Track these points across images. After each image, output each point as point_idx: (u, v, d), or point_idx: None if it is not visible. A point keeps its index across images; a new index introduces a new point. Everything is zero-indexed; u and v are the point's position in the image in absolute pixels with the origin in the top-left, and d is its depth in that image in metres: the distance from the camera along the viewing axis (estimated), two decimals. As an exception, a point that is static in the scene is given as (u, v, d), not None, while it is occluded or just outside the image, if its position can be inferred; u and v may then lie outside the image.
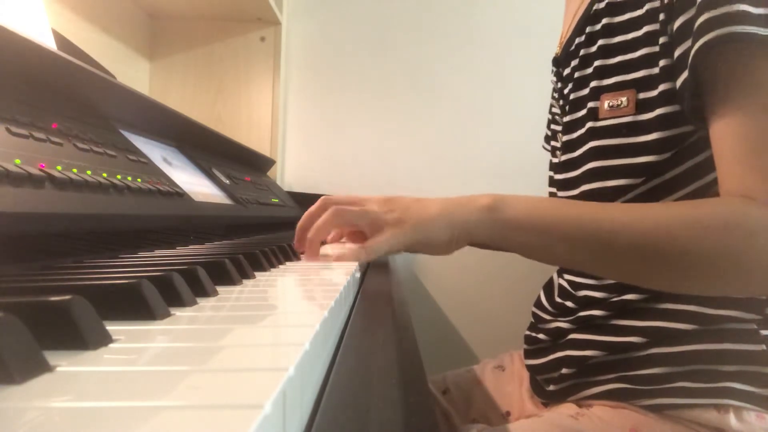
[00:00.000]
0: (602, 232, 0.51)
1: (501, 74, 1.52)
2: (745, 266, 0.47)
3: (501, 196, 0.56)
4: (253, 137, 1.41)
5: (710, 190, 0.54)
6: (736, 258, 0.47)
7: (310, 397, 0.21)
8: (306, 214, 0.61)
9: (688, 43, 0.51)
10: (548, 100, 0.85)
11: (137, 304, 0.26)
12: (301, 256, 0.62)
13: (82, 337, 0.21)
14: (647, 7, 0.58)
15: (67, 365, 0.18)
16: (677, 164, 0.58)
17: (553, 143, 0.80)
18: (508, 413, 0.78)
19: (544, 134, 0.92)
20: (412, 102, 1.54)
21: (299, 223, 0.61)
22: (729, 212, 0.47)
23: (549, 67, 0.79)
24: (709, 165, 0.53)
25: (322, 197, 0.61)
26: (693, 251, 0.48)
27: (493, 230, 0.55)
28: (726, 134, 0.49)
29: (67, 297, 0.21)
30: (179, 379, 0.17)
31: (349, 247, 0.60)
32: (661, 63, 0.56)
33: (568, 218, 0.53)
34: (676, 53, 0.53)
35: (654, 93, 0.57)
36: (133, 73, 1.34)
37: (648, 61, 0.58)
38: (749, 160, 0.48)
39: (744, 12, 0.47)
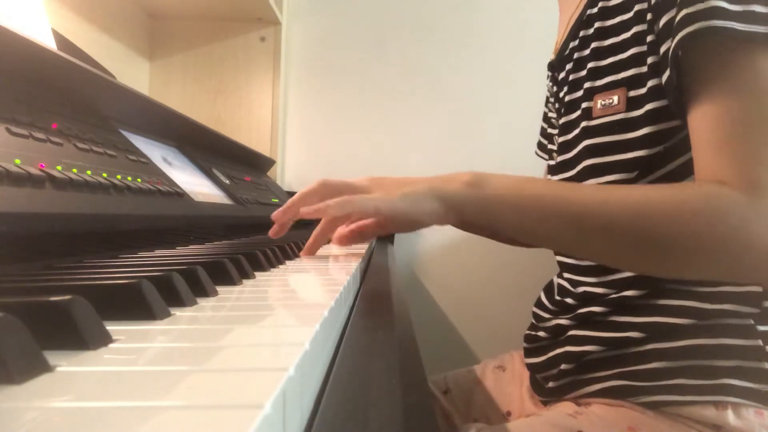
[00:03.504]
0: (579, 210, 0.51)
1: (502, 75, 1.52)
2: (713, 248, 0.47)
3: (483, 173, 0.56)
4: (253, 137, 1.41)
5: None
6: (704, 240, 0.47)
7: (310, 397, 0.21)
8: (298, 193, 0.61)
9: (671, 39, 0.52)
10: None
11: (137, 304, 0.26)
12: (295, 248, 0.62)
13: (82, 337, 0.21)
14: (636, 8, 0.59)
15: (67, 365, 0.18)
16: (670, 159, 0.58)
17: (550, 146, 0.80)
18: (508, 413, 0.78)
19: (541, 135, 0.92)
20: (412, 102, 1.54)
21: (290, 200, 0.60)
22: (702, 196, 0.48)
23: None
24: None
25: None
26: (662, 232, 0.48)
27: (475, 205, 0.54)
28: (702, 124, 0.51)
29: (67, 297, 0.21)
30: (179, 379, 0.17)
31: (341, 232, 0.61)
32: (649, 60, 0.57)
33: (546, 196, 0.53)
34: (661, 50, 0.55)
35: (643, 90, 0.58)
36: (133, 73, 1.34)
37: (637, 60, 0.59)
38: (723, 147, 0.49)
39: (720, 8, 0.48)
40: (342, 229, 0.60)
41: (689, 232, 0.47)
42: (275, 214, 0.60)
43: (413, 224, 0.55)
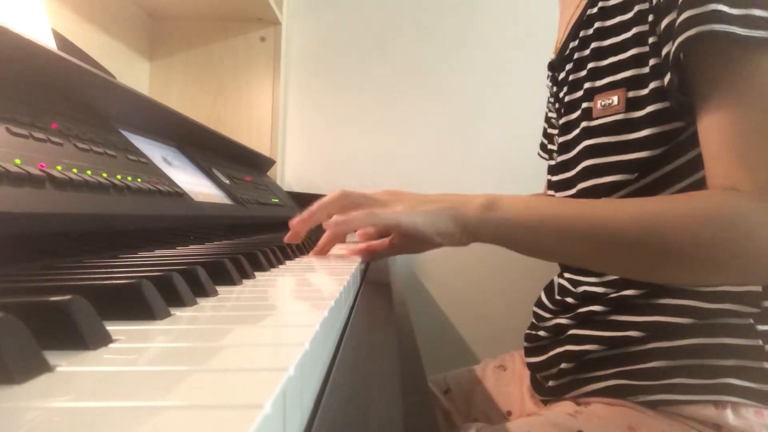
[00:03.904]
0: (593, 228, 0.52)
1: (501, 75, 1.52)
2: (729, 255, 0.48)
3: (496, 196, 0.56)
4: (253, 137, 1.41)
5: (705, 185, 0.54)
6: (720, 248, 0.47)
7: (310, 397, 0.21)
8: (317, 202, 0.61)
9: (671, 42, 0.53)
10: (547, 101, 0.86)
11: (137, 304, 0.26)
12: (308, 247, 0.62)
13: (82, 337, 0.21)
14: (636, 9, 0.59)
15: (67, 365, 0.18)
16: (671, 160, 0.58)
17: (550, 146, 0.80)
18: (509, 413, 0.78)
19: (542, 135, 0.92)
20: (412, 102, 1.55)
21: (309, 208, 0.61)
22: (714, 204, 0.48)
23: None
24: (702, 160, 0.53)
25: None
26: (679, 242, 0.48)
27: (491, 229, 0.55)
28: (710, 130, 0.51)
29: (67, 297, 0.21)
30: (179, 379, 0.17)
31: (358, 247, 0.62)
32: (651, 62, 0.57)
33: (561, 215, 0.53)
34: (663, 52, 0.55)
35: (645, 91, 0.58)
36: (133, 73, 1.34)
37: (637, 60, 0.59)
38: (733, 153, 0.49)
39: (721, 11, 0.48)
40: (355, 248, 0.62)
41: (702, 241, 0.47)
42: (294, 223, 0.61)
43: (425, 244, 0.57)
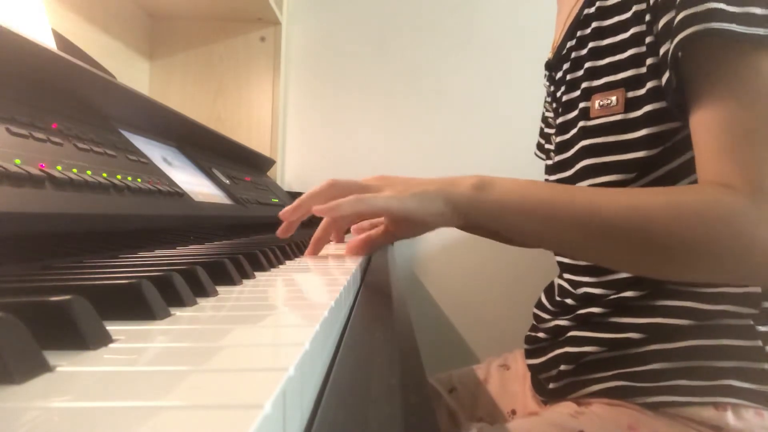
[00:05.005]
0: (583, 216, 0.51)
1: (501, 75, 1.52)
2: (719, 252, 0.47)
3: (488, 177, 0.56)
4: (253, 137, 1.41)
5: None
6: (710, 243, 0.47)
7: (310, 397, 0.21)
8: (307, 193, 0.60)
9: (670, 41, 0.52)
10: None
11: (137, 304, 0.26)
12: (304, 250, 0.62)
13: (82, 337, 0.20)
14: (634, 9, 0.59)
15: (67, 365, 0.18)
16: (669, 160, 0.58)
17: (547, 146, 0.81)
18: (513, 412, 0.78)
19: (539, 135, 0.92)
20: (412, 102, 1.55)
21: (298, 198, 0.60)
22: (706, 201, 0.48)
23: (549, 68, 0.79)
24: None
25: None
26: (668, 236, 0.48)
27: (481, 209, 0.54)
28: (703, 127, 0.51)
29: (67, 297, 0.21)
30: (179, 379, 0.17)
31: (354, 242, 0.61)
32: (648, 62, 0.57)
33: (553, 201, 0.53)
34: (661, 51, 0.55)
35: (642, 91, 0.58)
36: (133, 73, 1.34)
37: (635, 61, 0.59)
38: (725, 151, 0.49)
39: (719, 9, 0.48)
40: (353, 240, 0.61)
41: (692, 235, 0.47)
42: (283, 213, 0.59)
43: (420, 226, 0.56)
